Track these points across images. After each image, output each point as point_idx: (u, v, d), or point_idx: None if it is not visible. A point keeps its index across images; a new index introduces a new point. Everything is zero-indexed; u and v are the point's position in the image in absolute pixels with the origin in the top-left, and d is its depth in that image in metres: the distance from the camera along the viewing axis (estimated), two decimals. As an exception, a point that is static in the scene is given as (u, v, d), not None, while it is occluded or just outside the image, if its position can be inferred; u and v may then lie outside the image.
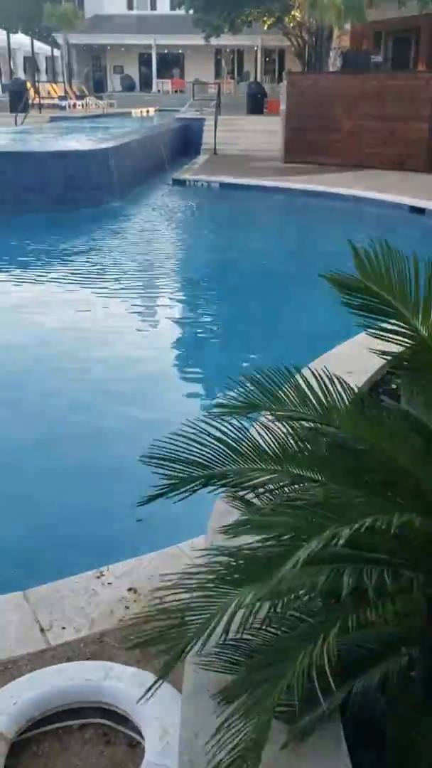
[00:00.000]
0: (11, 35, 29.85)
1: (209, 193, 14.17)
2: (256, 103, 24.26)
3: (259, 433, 1.50)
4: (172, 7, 40.28)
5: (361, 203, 11.71)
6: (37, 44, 32.75)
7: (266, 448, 1.43)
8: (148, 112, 28.04)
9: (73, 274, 8.07)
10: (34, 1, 39.78)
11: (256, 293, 7.62)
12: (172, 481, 1.40)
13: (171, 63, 42.91)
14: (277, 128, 19.27)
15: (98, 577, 2.52)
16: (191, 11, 25.78)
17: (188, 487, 1.38)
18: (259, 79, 34.05)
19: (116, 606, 2.37)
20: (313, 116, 16.78)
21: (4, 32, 29.41)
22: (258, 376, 1.58)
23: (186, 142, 20.68)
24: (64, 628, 2.28)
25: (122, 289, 7.56)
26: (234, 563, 1.19)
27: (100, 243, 9.69)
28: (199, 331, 6.51)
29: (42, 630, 2.27)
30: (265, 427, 1.50)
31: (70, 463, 3.90)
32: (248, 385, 1.57)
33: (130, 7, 42.59)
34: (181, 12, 30.22)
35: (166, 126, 19.84)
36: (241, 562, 1.19)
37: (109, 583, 2.49)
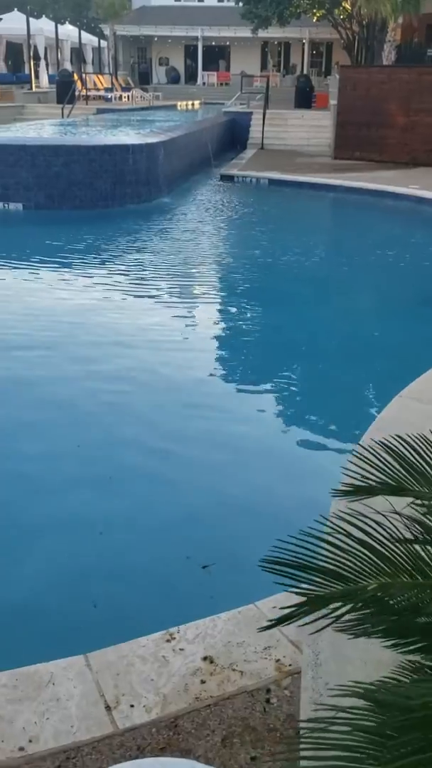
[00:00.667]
0: (59, 26, 29.69)
1: (258, 190, 13.82)
2: (305, 97, 23.80)
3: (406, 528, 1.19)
4: (220, -1, 40.04)
5: (423, 204, 11.24)
6: (85, 35, 32.58)
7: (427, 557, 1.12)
8: (193, 104, 27.75)
9: (119, 272, 7.81)
10: (81, -8, 39.80)
11: (314, 298, 7.28)
12: (304, 598, 1.09)
13: (216, 55, 42.49)
14: (326, 123, 18.82)
15: (168, 641, 2.24)
16: (240, 3, 25.32)
17: (330, 609, 1.07)
18: (305, 72, 33.47)
19: (190, 680, 2.08)
20: (365, 111, 16.30)
21: (53, 23, 29.26)
22: (395, 444, 1.27)
23: (233, 136, 20.33)
24: (132, 705, 1.99)
25: (169, 288, 7.28)
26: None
27: (148, 240, 9.43)
28: (248, 337, 6.18)
29: (108, 707, 1.99)
30: (415, 521, 1.19)
31: (132, 500, 3.63)
32: (381, 457, 1.26)
33: (177, -2, 42.30)
34: (228, 3, 29.87)
35: (213, 120, 19.49)
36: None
37: (180, 649, 2.20)
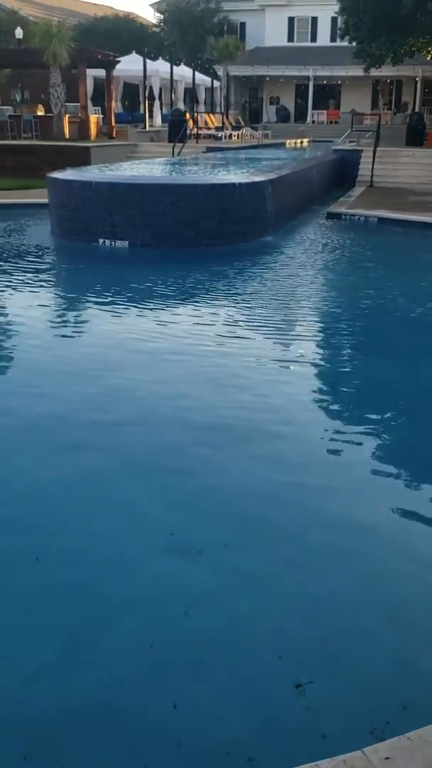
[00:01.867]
0: (174, 67, 30.47)
1: (366, 229, 13.40)
2: (416, 135, 23.33)
3: None
4: (333, 39, 40.12)
5: None
6: (198, 76, 33.32)
7: None
8: (302, 142, 27.72)
9: (221, 312, 7.57)
10: (197, 35, 40.88)
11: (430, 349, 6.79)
12: None
13: (327, 94, 42.60)
14: (441, 161, 18.24)
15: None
16: (353, 42, 25.17)
17: None
18: (417, 110, 32.89)
19: None
20: None
21: (168, 65, 30.07)
22: None
23: (342, 174, 20.04)
24: None
25: (268, 331, 6.95)
26: None
27: (250, 280, 9.18)
28: (351, 388, 5.76)
29: None
30: None
31: (220, 578, 3.28)
32: None
33: (290, 39, 42.78)
34: (341, 43, 29.81)
35: (321, 158, 19.28)
36: None
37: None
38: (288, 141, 27.07)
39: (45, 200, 11.85)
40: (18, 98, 42.14)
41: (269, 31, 42.55)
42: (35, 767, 2.25)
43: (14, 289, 8.57)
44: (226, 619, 2.96)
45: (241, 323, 7.20)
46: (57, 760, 2.29)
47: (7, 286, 8.63)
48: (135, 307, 7.77)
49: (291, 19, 42.50)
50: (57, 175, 11.56)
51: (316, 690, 2.57)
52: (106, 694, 2.55)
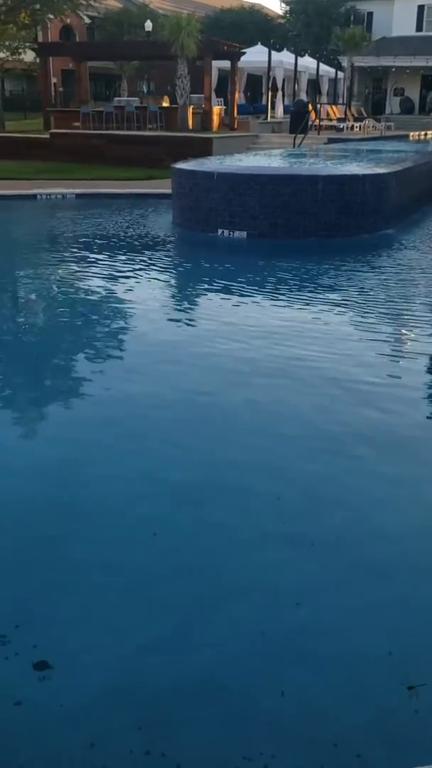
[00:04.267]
0: (299, 58, 30.22)
1: None
2: None
3: None
4: (465, 26, 38.66)
5: None
6: (322, 67, 32.89)
7: None
8: (425, 135, 26.88)
9: (340, 304, 7.47)
10: (323, 25, 40.37)
11: None
12: None
13: (455, 84, 41.09)
14: None
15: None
16: None
17: None
18: None
19: None
20: None
21: (293, 56, 29.85)
22: None
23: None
24: None
25: (387, 326, 6.80)
26: None
27: (369, 272, 9.00)
28: None
29: None
30: None
31: (332, 572, 3.26)
32: None
33: (419, 28, 41.47)
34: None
35: (448, 150, 18.60)
36: None
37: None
38: (411, 133, 26.31)
39: (165, 190, 12.06)
40: (144, 90, 43.07)
41: (397, 20, 41.38)
42: (147, 737, 2.32)
43: (138, 276, 8.79)
44: (337, 612, 2.94)
45: (362, 318, 7.07)
46: (168, 732, 2.34)
47: (131, 274, 8.86)
48: (252, 296, 7.80)
49: (420, 8, 41.18)
50: (181, 165, 11.74)
51: (429, 693, 2.51)
52: (217, 675, 2.59)
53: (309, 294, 7.98)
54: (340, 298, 7.78)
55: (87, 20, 39.89)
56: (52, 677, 2.51)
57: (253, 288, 8.18)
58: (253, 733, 2.37)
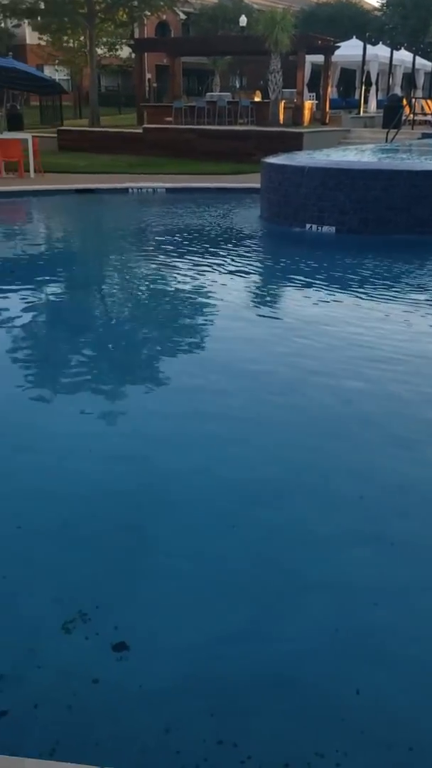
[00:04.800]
0: (395, 52, 29.59)
1: None
2: None
3: None
4: None
5: None
6: (419, 60, 32.10)
7: None
8: None
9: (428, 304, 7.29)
10: (420, 18, 39.35)
11: None
12: None
13: None
14: None
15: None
16: None
17: None
18: None
19: None
20: None
21: (388, 50, 29.26)
22: None
23: None
24: None
25: None
26: None
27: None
28: None
29: None
30: None
31: (412, 574, 3.18)
32: None
33: None
34: None
35: None
36: None
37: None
38: None
39: (252, 185, 12.03)
40: (237, 85, 43.16)
41: None
42: (219, 725, 2.33)
43: (224, 269, 8.82)
44: (415, 614, 2.88)
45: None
46: (241, 722, 2.35)
47: (217, 267, 8.90)
48: (339, 293, 7.71)
49: None
50: (271, 159, 11.71)
51: None
52: (292, 669, 2.58)
53: (398, 293, 7.81)
54: (427, 299, 7.59)
55: (182, 16, 40.30)
56: (130, 659, 2.56)
57: (340, 284, 8.07)
58: (326, 730, 2.35)
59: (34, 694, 2.39)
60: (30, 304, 7.33)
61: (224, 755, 2.24)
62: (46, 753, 2.04)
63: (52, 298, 7.93)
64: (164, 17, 36.56)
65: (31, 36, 35.34)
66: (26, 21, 29.97)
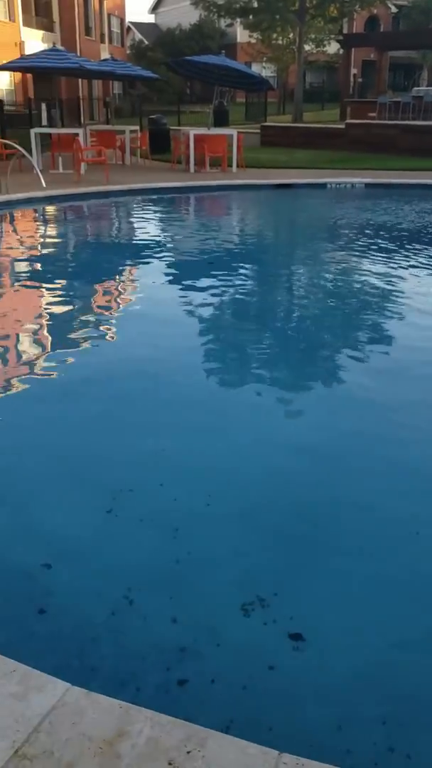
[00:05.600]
0: None
1: None
2: None
3: None
4: None
5: None
6: None
7: None
8: None
9: None
10: None
11: None
12: None
13: None
14: None
15: None
16: None
17: None
18: None
19: None
20: None
21: None
22: None
23: None
24: None
25: None
26: None
27: None
28: None
29: None
30: None
31: None
32: None
33: None
34: None
35: None
36: None
37: None
38: None
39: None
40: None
41: None
42: (390, 733, 2.27)
43: (419, 268, 8.54)
44: None
45: None
46: (414, 736, 2.28)
47: (412, 265, 8.63)
48: None
49: None
50: None
51: None
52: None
53: None
54: None
55: (394, 9, 39.32)
56: (305, 650, 2.56)
57: None
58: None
59: (212, 670, 2.47)
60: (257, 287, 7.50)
61: (395, 764, 2.18)
62: (222, 728, 2.09)
63: (254, 288, 8.08)
64: (375, 11, 35.86)
65: (241, 34, 36.21)
66: (239, 20, 30.70)
